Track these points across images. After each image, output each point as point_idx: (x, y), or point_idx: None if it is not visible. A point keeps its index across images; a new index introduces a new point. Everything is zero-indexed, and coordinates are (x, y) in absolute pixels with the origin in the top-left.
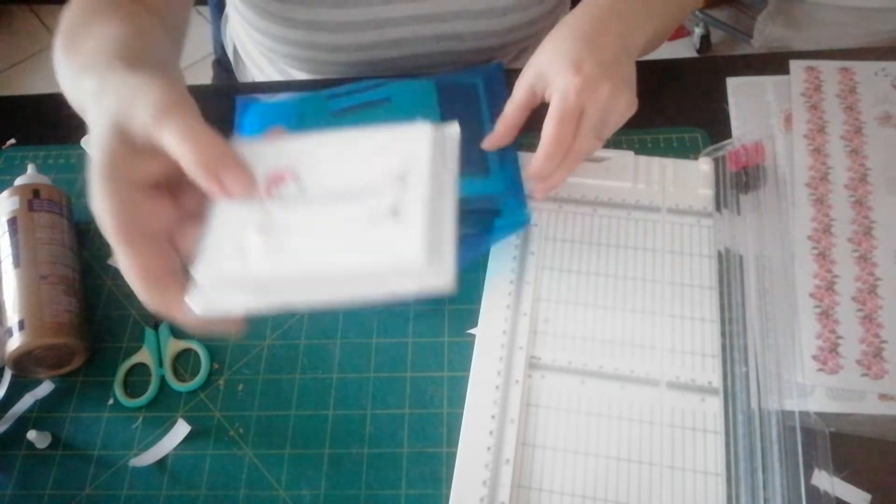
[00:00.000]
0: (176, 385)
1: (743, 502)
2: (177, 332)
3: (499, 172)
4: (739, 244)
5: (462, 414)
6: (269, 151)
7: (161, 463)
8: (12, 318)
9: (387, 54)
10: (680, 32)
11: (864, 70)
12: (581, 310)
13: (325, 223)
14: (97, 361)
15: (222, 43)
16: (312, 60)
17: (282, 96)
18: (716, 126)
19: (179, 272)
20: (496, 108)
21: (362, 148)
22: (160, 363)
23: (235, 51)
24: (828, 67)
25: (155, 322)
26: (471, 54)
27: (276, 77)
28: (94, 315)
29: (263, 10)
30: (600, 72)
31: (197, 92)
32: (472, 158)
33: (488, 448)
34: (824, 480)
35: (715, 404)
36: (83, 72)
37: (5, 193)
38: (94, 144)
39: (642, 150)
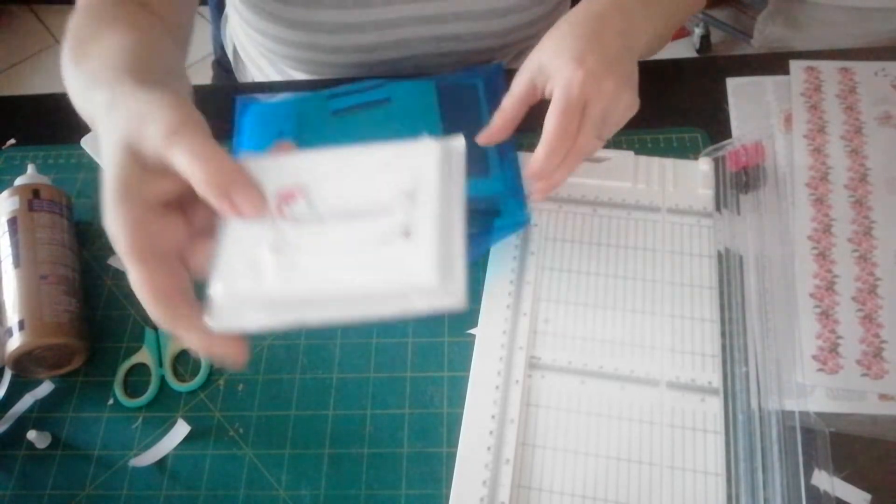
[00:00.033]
0: (176, 385)
1: (743, 502)
2: None
3: (499, 173)
4: (739, 244)
5: (462, 414)
6: (277, 168)
7: (161, 463)
8: (12, 318)
9: (387, 55)
10: (680, 32)
11: (864, 70)
12: (581, 310)
13: (338, 242)
14: (97, 361)
15: (222, 43)
16: (312, 61)
17: (282, 96)
18: (716, 126)
19: (190, 292)
20: (496, 109)
21: (370, 164)
22: (160, 363)
23: (235, 51)
24: (828, 67)
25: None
26: (471, 55)
27: (275, 77)
28: (94, 315)
29: (263, 10)
30: (604, 67)
31: (197, 92)
32: (472, 159)
33: (488, 448)
34: (824, 480)
35: (715, 404)
36: (93, 84)
37: (5, 193)
38: (107, 164)
39: (642, 150)
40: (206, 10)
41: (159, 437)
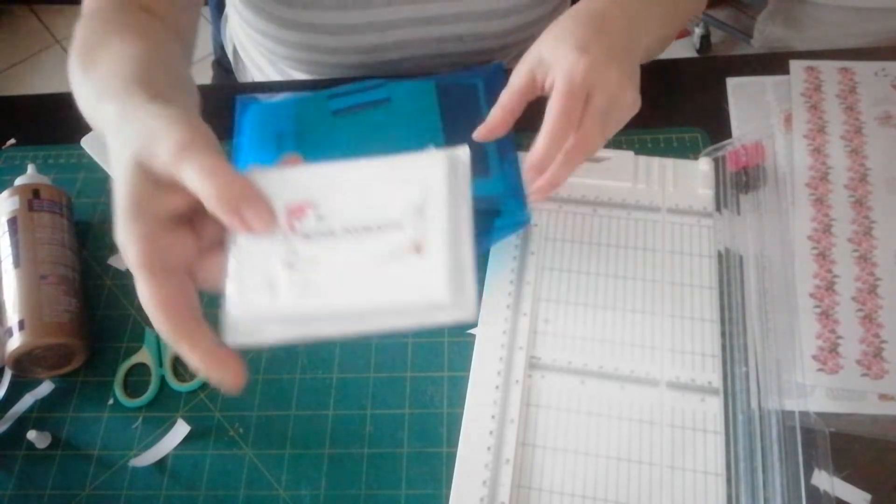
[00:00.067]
0: (176, 385)
1: (743, 502)
2: None
3: (499, 173)
4: (739, 244)
5: (462, 414)
6: (285, 181)
7: (161, 463)
8: (12, 318)
9: (387, 56)
10: (680, 32)
11: (864, 70)
12: (581, 310)
13: (349, 258)
14: (97, 361)
15: (222, 43)
16: (312, 62)
17: (282, 96)
18: (716, 126)
19: (197, 308)
20: None
21: (376, 177)
22: (160, 363)
23: (235, 51)
24: (828, 67)
25: None
26: (471, 56)
27: (275, 77)
28: (94, 315)
29: (263, 11)
30: (608, 57)
31: None
32: (472, 159)
33: (488, 448)
34: (824, 480)
35: (715, 404)
36: (102, 94)
37: (5, 193)
38: (118, 179)
39: (642, 150)
40: (206, 10)
41: (159, 437)
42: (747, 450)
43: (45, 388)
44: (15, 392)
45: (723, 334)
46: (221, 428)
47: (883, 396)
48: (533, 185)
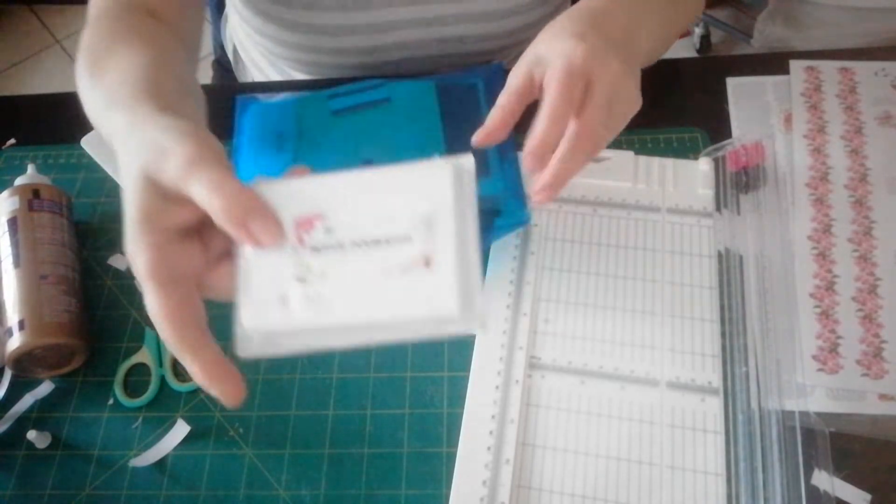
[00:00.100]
0: (176, 385)
1: (743, 502)
2: None
3: (499, 172)
4: (739, 244)
5: (462, 414)
6: (292, 194)
7: (161, 463)
8: (12, 318)
9: (388, 57)
10: None
11: (864, 70)
12: (581, 310)
13: (360, 271)
14: (97, 361)
15: (222, 43)
16: (313, 63)
17: (282, 96)
18: (716, 126)
19: (203, 320)
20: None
21: (383, 188)
22: (160, 363)
23: (235, 51)
24: (828, 67)
25: None
26: (472, 56)
27: (275, 77)
28: (94, 315)
29: (264, 12)
30: (608, 47)
31: None
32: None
33: (488, 448)
34: (824, 480)
35: (715, 404)
36: (111, 103)
37: (5, 193)
38: (127, 192)
39: (642, 150)
40: (206, 10)
41: (159, 437)
42: (747, 450)
43: (45, 388)
44: (15, 392)
45: (723, 334)
46: (221, 428)
47: (883, 396)
48: (537, 184)
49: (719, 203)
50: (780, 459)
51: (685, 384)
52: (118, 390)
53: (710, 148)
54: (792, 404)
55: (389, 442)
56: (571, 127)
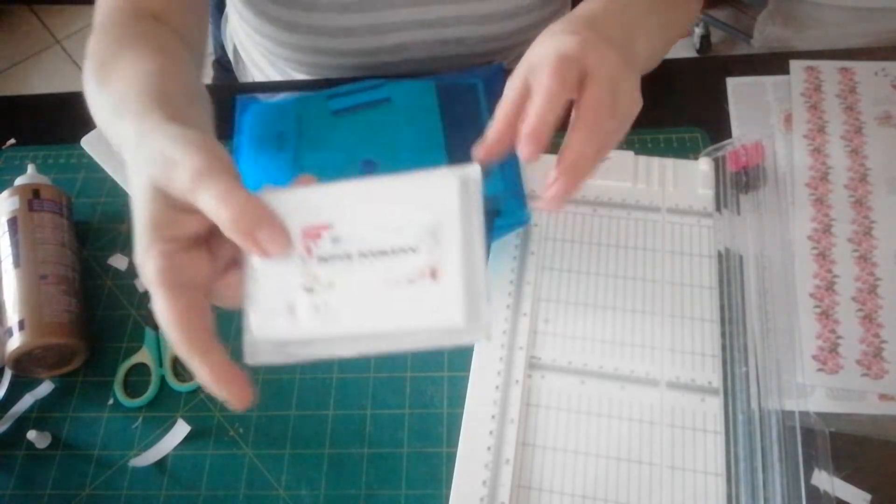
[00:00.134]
0: (176, 385)
1: (743, 502)
2: None
3: (499, 172)
4: (739, 244)
5: (462, 414)
6: (299, 203)
7: (161, 463)
8: (12, 318)
9: (388, 58)
10: None
11: (864, 70)
12: (581, 310)
13: (367, 282)
14: (97, 361)
15: (222, 43)
16: (313, 63)
17: (282, 96)
18: (716, 126)
19: (211, 326)
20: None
21: (389, 198)
22: (160, 363)
23: (235, 51)
24: (828, 67)
25: (155, 322)
26: (473, 58)
27: (275, 77)
28: (94, 315)
29: (264, 13)
30: (605, 41)
31: None
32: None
33: (488, 448)
34: (824, 480)
35: (715, 404)
36: (119, 111)
37: (5, 193)
38: (136, 201)
39: (642, 150)
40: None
41: (159, 437)
42: (747, 450)
43: (45, 388)
44: (15, 392)
45: (723, 334)
46: (221, 428)
47: (883, 396)
48: (546, 186)
49: (719, 203)
50: (780, 459)
51: (685, 384)
52: (118, 390)
53: (710, 148)
54: (792, 404)
55: (389, 442)
56: (575, 115)
